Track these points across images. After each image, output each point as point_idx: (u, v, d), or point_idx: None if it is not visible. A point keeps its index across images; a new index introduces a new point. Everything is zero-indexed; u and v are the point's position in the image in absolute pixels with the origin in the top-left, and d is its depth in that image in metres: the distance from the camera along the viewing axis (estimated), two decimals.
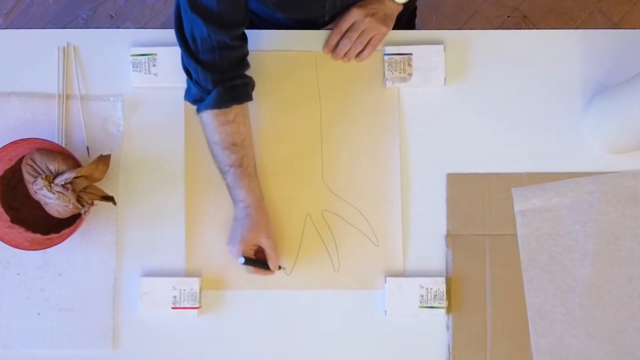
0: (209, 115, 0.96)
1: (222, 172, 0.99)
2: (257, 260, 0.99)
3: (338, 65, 1.06)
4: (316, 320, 1.03)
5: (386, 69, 1.04)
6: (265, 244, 0.98)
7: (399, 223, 1.03)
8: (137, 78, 1.04)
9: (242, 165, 0.97)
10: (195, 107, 0.98)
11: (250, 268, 0.98)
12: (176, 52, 1.01)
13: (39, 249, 0.99)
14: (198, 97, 0.96)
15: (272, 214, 1.03)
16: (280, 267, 1.01)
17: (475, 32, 1.08)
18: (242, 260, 0.95)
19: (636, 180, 1.02)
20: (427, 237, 1.04)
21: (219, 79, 0.94)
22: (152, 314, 1.01)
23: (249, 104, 0.99)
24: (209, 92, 0.94)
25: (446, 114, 1.05)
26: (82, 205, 0.97)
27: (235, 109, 0.96)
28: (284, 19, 1.10)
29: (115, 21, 1.97)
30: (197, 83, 0.95)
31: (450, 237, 1.03)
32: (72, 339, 1.02)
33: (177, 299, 1.00)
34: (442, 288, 1.00)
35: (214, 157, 0.99)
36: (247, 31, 1.05)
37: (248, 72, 1.00)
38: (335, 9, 1.04)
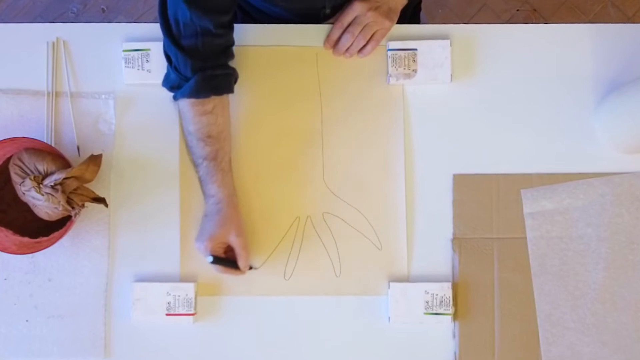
0: (185, 104, 0.96)
1: (195, 165, 0.99)
2: (227, 260, 0.98)
3: (340, 61, 1.06)
4: (316, 328, 1.03)
5: (390, 65, 1.04)
6: (234, 242, 0.97)
7: (403, 226, 1.03)
8: (129, 74, 1.04)
9: (216, 158, 0.97)
10: (172, 94, 0.98)
11: (220, 267, 0.98)
12: None
13: (27, 253, 0.99)
14: (176, 84, 0.96)
15: (271, 215, 1.03)
16: (250, 268, 1.01)
17: (482, 27, 1.08)
18: (211, 259, 0.95)
19: None
20: (432, 240, 1.04)
21: (199, 66, 0.94)
22: (146, 321, 1.01)
23: (233, 97, 1.00)
24: (187, 80, 0.94)
25: (452, 112, 1.05)
26: (73, 207, 0.97)
27: (214, 100, 0.96)
28: (283, 11, 1.10)
29: (107, 15, 1.97)
30: (176, 69, 0.95)
31: (457, 241, 1.03)
32: (62, 347, 1.02)
33: (172, 305, 1.00)
34: (448, 294, 1.00)
35: (188, 147, 0.99)
36: (243, 25, 1.05)
37: (232, 64, 0.99)
38: (337, 0, 1.04)
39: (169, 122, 1.05)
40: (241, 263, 0.98)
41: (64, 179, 0.95)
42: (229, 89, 0.99)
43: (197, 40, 0.91)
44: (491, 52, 1.07)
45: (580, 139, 1.05)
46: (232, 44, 0.98)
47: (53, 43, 1.07)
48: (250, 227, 1.03)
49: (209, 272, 1.03)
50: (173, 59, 0.94)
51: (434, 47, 1.04)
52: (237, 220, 0.99)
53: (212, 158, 0.97)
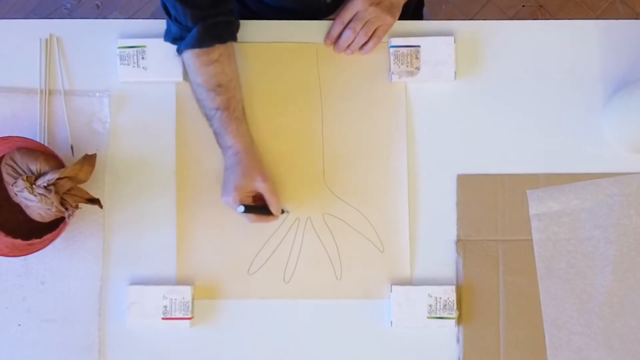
0: (190, 55, 0.96)
1: (208, 118, 0.99)
2: (258, 207, 0.99)
3: (340, 58, 1.06)
4: (317, 332, 1.03)
5: (392, 62, 1.04)
6: (262, 188, 0.97)
7: (406, 228, 1.03)
8: (124, 72, 1.04)
9: (229, 108, 0.97)
10: (175, 47, 0.99)
11: (252, 216, 0.98)
12: (167, 44, 1.02)
13: (20, 256, 0.99)
14: (178, 35, 0.96)
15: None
16: (283, 211, 1.01)
17: (487, 23, 1.08)
18: (242, 208, 0.95)
19: None
20: (436, 242, 1.04)
21: (199, 15, 0.94)
22: (141, 325, 1.01)
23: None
24: (189, 30, 0.95)
25: (456, 111, 1.05)
26: (66, 209, 0.97)
27: (219, 48, 0.97)
28: (282, 1, 1.10)
29: (101, 11, 1.97)
30: (176, 21, 0.95)
31: (461, 243, 1.03)
32: (55, 352, 1.02)
33: (168, 309, 1.00)
34: (452, 297, 1.00)
35: (199, 101, 1.00)
36: (243, 22, 1.05)
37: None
38: None
39: (165, 121, 1.05)
40: (273, 208, 0.98)
41: (57, 179, 0.95)
42: (232, 36, 1.00)
43: None
44: (496, 50, 1.06)
45: (587, 138, 1.05)
46: None
47: (46, 40, 1.07)
48: (250, 228, 1.03)
49: (206, 275, 1.03)
50: (172, 11, 0.95)
51: (438, 44, 1.04)
52: (260, 167, 0.99)
53: (225, 107, 0.97)
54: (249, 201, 0.98)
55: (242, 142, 0.98)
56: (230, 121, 0.98)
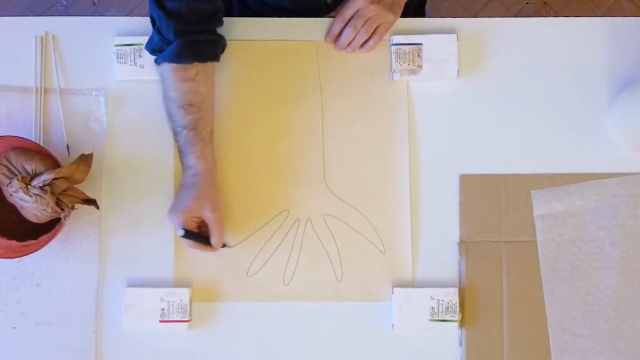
0: (167, 69, 0.96)
1: (175, 133, 0.99)
2: (199, 235, 0.98)
3: (341, 57, 1.06)
4: (317, 335, 1.02)
5: (394, 60, 1.04)
6: (209, 217, 0.97)
7: (408, 229, 1.03)
8: (121, 70, 1.04)
9: (196, 128, 0.97)
10: (153, 57, 0.98)
11: (190, 242, 0.98)
12: None
13: (15, 257, 0.99)
14: (157, 46, 0.96)
15: (269, 217, 1.04)
16: (224, 245, 1.01)
17: (491, 20, 1.08)
18: (182, 232, 0.95)
19: None
20: (438, 244, 1.04)
21: (182, 30, 0.94)
22: (138, 328, 1.01)
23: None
24: (169, 44, 0.95)
25: (459, 110, 1.05)
26: (62, 209, 0.96)
27: (197, 66, 0.96)
28: (282, 0, 1.10)
29: (97, 8, 1.97)
30: (159, 32, 0.95)
31: (464, 244, 1.03)
32: (51, 356, 1.02)
33: (166, 311, 1.00)
34: (455, 299, 1.00)
35: (168, 115, 0.99)
36: (240, 19, 1.06)
37: (220, 31, 1.00)
38: None
39: (163, 120, 1.04)
40: (214, 240, 0.98)
41: (53, 179, 0.95)
42: (214, 57, 0.99)
43: (180, 3, 0.92)
44: (500, 47, 1.06)
45: (592, 137, 1.05)
46: (221, 10, 0.99)
47: (42, 37, 1.07)
48: (248, 230, 1.03)
49: (204, 277, 1.03)
50: (157, 21, 0.95)
51: (440, 41, 1.04)
52: (213, 195, 0.99)
53: (193, 127, 0.97)
54: (193, 226, 0.98)
55: (204, 165, 0.98)
56: (196, 142, 0.97)
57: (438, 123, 1.05)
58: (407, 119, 1.05)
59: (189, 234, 0.96)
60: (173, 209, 0.98)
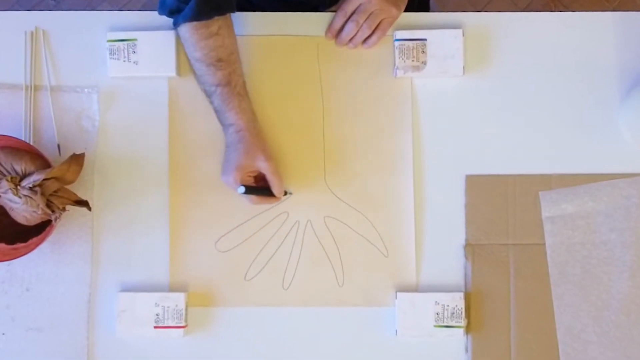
0: (188, 29, 0.96)
1: (208, 94, 1.00)
2: (259, 188, 1.00)
3: (342, 53, 1.06)
4: (317, 341, 1.03)
5: (397, 56, 1.04)
6: (264, 167, 0.98)
7: (412, 231, 1.03)
8: (114, 66, 1.04)
9: (230, 83, 0.98)
10: (171, 20, 0.98)
11: (253, 198, 0.99)
12: (159, 37, 1.02)
13: (4, 261, 0.99)
14: (175, 7, 0.96)
15: (268, 219, 1.04)
16: (286, 193, 1.02)
17: (498, 15, 1.08)
18: (242, 189, 0.96)
19: None
20: (443, 247, 1.04)
21: None
22: (132, 334, 1.01)
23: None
24: (186, 2, 0.95)
25: (465, 108, 1.06)
26: (53, 211, 0.96)
27: (218, 20, 0.97)
28: None
29: (90, 2, 1.97)
30: None
31: (470, 247, 1.03)
32: None
33: (160, 316, 1.00)
34: (461, 305, 1.00)
35: (198, 77, 1.00)
36: (239, 14, 1.05)
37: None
38: None
39: (157, 119, 1.05)
40: (275, 189, 0.99)
41: (44, 180, 0.95)
42: (232, 8, 0.99)
43: None
44: (507, 43, 1.06)
45: (603, 136, 1.05)
46: None
47: (32, 33, 1.07)
48: (246, 232, 1.03)
49: (200, 281, 1.03)
50: None
51: (445, 37, 1.04)
52: (263, 145, 0.99)
53: (226, 83, 0.97)
54: (250, 181, 0.99)
55: (245, 119, 0.99)
56: (232, 97, 0.98)
57: (443, 121, 1.05)
58: (411, 117, 1.05)
59: (249, 190, 0.97)
60: (225, 170, 0.99)
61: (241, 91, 0.99)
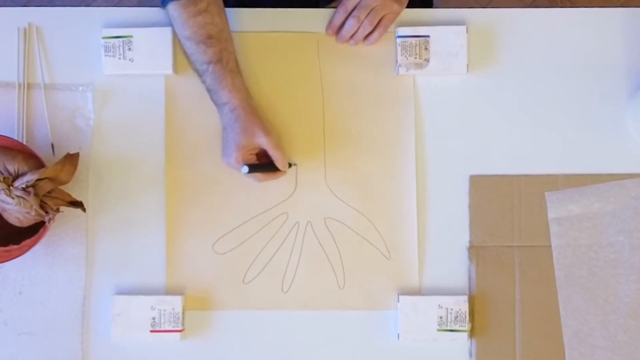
0: (176, 7, 0.97)
1: (200, 73, 1.00)
2: (263, 165, 1.00)
3: (343, 50, 1.06)
4: (317, 346, 1.03)
5: (399, 53, 1.04)
6: (264, 143, 0.98)
7: (414, 233, 1.03)
8: (110, 64, 1.04)
9: (221, 60, 0.98)
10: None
11: (258, 175, 0.99)
12: (155, 33, 1.02)
13: None
14: None
15: (267, 220, 1.04)
16: (290, 165, 1.02)
17: (502, 11, 1.08)
18: (246, 169, 0.96)
19: None
20: (446, 248, 1.04)
21: None
22: (128, 338, 1.01)
23: None
24: None
25: (469, 106, 1.05)
26: (46, 212, 0.96)
27: None
28: None
29: None
30: None
31: (474, 249, 1.03)
32: None
33: (157, 320, 1.00)
34: (465, 308, 1.00)
35: (188, 55, 1.00)
36: (235, 10, 1.05)
37: None
38: None
39: (153, 117, 1.05)
40: (279, 163, 0.99)
41: (37, 180, 0.95)
42: None
43: None
44: (512, 40, 1.06)
45: (611, 135, 1.04)
46: None
47: (25, 29, 1.07)
48: (245, 233, 1.03)
49: (198, 284, 1.03)
50: None
51: (449, 33, 1.04)
52: (260, 121, 0.99)
53: (217, 60, 0.98)
54: (253, 159, 1.00)
55: (239, 96, 0.99)
56: (224, 75, 0.98)
57: (446, 120, 1.05)
58: (414, 116, 1.05)
59: (253, 168, 0.97)
60: (226, 152, 0.99)
61: (233, 68, 1.00)
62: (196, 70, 1.00)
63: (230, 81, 0.98)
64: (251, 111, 0.99)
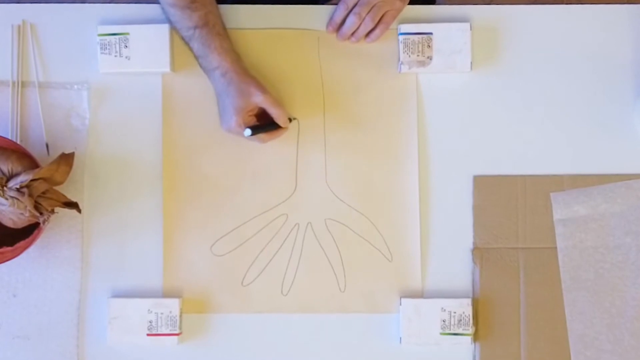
0: None
1: (187, 40, 1.00)
2: (264, 125, 1.00)
3: (344, 47, 1.06)
4: (318, 350, 1.03)
5: (401, 51, 1.04)
6: (262, 101, 0.98)
7: (417, 234, 1.03)
8: (105, 62, 1.04)
9: (207, 24, 0.98)
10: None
11: (262, 136, 1.00)
12: (152, 31, 1.02)
13: None
14: None
15: (267, 222, 1.04)
16: (291, 120, 1.02)
17: (507, 8, 1.08)
18: (249, 132, 0.97)
19: None
20: (450, 250, 1.04)
21: None
22: (124, 342, 1.01)
23: None
24: None
25: (473, 105, 1.05)
26: (41, 213, 0.96)
27: None
28: None
29: None
30: None
31: (478, 251, 1.03)
32: None
33: (154, 324, 1.00)
34: (468, 311, 1.00)
35: (173, 23, 1.00)
36: (236, 6, 1.05)
37: None
38: None
39: (150, 116, 1.05)
40: (280, 120, 0.99)
41: (31, 180, 0.95)
42: None
43: None
44: (516, 37, 1.06)
45: (618, 135, 1.04)
46: None
47: (19, 26, 1.07)
48: (243, 235, 1.03)
49: (195, 287, 1.03)
50: None
51: (452, 31, 1.04)
52: (253, 81, 1.00)
53: (204, 24, 0.98)
54: (253, 121, 1.00)
55: (229, 59, 0.99)
56: (212, 38, 0.98)
57: (450, 119, 1.05)
58: (416, 115, 1.05)
59: (255, 130, 0.98)
60: (225, 118, 0.99)
61: (221, 31, 1.00)
62: (183, 38, 1.00)
63: (218, 44, 0.98)
64: (243, 72, 1.00)
